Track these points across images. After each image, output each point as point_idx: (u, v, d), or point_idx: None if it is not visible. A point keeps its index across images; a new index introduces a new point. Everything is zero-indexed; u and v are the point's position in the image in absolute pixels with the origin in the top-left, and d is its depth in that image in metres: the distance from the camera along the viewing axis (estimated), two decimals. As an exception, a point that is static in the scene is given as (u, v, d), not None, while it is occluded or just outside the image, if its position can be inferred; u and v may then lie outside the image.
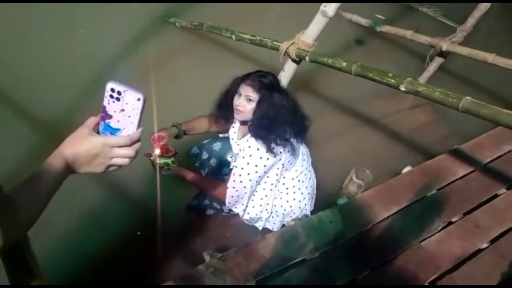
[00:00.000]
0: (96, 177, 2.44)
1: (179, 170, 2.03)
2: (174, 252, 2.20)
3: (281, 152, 1.87)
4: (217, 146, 2.39)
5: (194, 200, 2.33)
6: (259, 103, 1.83)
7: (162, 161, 1.96)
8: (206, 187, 2.09)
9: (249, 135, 1.90)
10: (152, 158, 1.96)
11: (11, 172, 2.33)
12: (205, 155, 2.44)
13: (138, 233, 2.19)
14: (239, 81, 1.91)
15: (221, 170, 2.32)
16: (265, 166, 1.86)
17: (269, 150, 1.81)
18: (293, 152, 1.92)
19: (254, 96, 1.83)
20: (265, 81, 1.82)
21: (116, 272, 2.06)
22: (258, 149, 1.83)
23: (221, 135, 2.39)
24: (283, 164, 1.93)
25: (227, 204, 2.01)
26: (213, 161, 2.38)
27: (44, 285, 0.89)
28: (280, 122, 1.81)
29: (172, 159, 1.99)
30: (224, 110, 2.04)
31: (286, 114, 1.83)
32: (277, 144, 1.82)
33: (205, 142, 2.49)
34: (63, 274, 1.93)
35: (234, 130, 2.11)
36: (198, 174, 2.12)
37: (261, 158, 1.83)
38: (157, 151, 1.95)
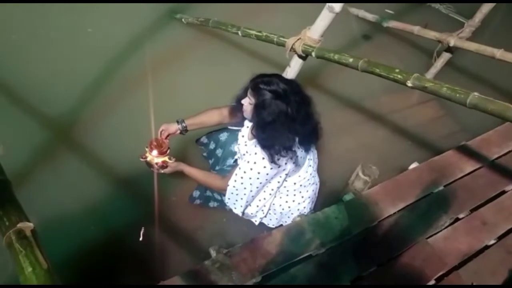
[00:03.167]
0: (99, 174, 2.47)
1: (177, 165, 2.02)
2: (178, 246, 2.22)
3: (286, 163, 1.86)
4: (223, 136, 2.40)
5: (197, 191, 2.35)
6: (255, 108, 1.80)
7: (159, 160, 1.97)
8: (205, 180, 2.10)
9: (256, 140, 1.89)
10: (148, 159, 1.97)
11: (19, 169, 2.36)
12: (212, 145, 2.46)
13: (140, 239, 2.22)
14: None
15: (226, 161, 2.34)
16: (267, 174, 1.86)
17: (273, 161, 1.80)
18: (298, 161, 1.92)
19: (252, 99, 1.80)
20: (266, 87, 1.75)
21: (120, 266, 2.08)
22: (263, 158, 1.82)
23: (231, 127, 2.37)
24: (286, 174, 1.93)
25: (226, 200, 2.03)
26: (219, 151, 2.40)
27: (44, 285, 0.89)
28: (281, 130, 1.77)
29: (167, 157, 1.99)
30: (240, 104, 2.03)
31: (288, 123, 1.77)
32: (282, 156, 1.80)
33: (213, 132, 2.50)
34: (64, 266, 1.96)
35: (248, 126, 2.10)
36: (197, 167, 2.11)
37: (264, 167, 1.83)
38: (154, 152, 1.95)
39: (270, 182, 1.97)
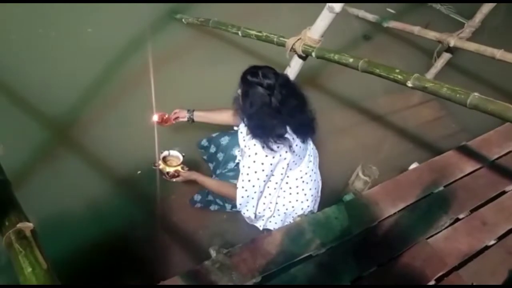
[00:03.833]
0: (99, 174, 2.47)
1: (190, 174, 2.07)
2: (179, 246, 2.21)
3: (286, 152, 1.88)
4: (224, 140, 2.41)
5: (198, 195, 2.35)
6: (241, 97, 1.86)
7: (172, 169, 1.98)
8: (219, 190, 2.12)
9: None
10: (160, 167, 1.97)
11: (19, 169, 2.36)
12: (212, 149, 2.47)
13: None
14: None
15: (227, 165, 2.34)
16: (271, 164, 1.87)
17: (271, 148, 1.81)
18: (296, 150, 1.92)
19: (239, 90, 1.86)
20: (250, 78, 1.80)
21: (120, 266, 2.08)
22: (263, 147, 1.83)
23: (236, 129, 2.38)
24: (288, 164, 1.93)
25: (238, 206, 2.02)
26: (219, 155, 2.40)
27: (44, 285, 0.89)
28: (267, 120, 1.80)
29: (179, 166, 2.01)
30: None
31: (273, 114, 1.79)
32: (277, 143, 1.82)
33: (214, 135, 2.51)
34: (64, 266, 1.95)
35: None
36: (209, 176, 2.14)
37: (266, 156, 1.84)
38: (155, 117, 2.14)
39: (273, 175, 1.97)
